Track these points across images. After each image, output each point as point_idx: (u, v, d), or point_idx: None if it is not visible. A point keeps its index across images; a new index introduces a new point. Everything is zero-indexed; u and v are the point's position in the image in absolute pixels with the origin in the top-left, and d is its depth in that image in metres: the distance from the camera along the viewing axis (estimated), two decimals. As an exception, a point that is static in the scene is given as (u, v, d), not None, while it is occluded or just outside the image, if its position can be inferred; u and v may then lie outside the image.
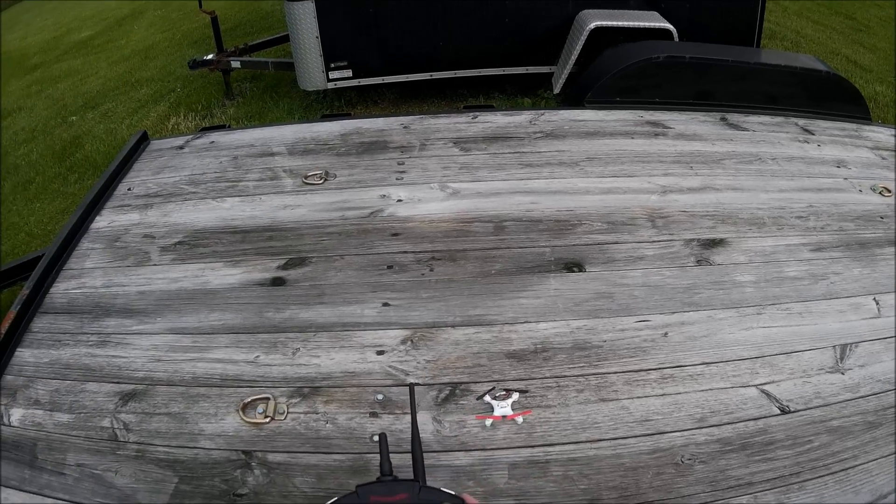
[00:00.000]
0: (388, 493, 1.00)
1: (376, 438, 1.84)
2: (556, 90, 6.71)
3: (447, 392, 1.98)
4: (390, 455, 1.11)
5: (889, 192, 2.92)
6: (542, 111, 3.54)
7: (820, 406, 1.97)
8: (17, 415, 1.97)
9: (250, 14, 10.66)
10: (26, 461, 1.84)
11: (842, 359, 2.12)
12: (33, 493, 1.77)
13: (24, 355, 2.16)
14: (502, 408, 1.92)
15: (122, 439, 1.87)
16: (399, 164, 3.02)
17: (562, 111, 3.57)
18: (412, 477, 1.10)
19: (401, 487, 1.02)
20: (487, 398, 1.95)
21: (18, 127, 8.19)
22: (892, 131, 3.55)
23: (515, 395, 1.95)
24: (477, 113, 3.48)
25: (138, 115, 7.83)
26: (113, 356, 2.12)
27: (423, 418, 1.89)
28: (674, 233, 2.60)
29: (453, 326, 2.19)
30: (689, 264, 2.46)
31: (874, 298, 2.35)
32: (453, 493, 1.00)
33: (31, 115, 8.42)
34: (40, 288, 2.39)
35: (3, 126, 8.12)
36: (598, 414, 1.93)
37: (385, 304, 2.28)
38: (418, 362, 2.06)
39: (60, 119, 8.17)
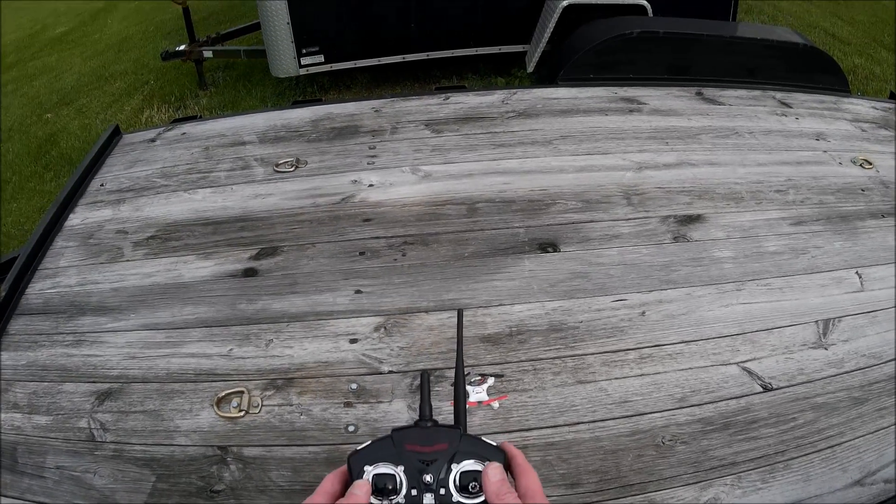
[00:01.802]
0: (426, 442, 0.89)
1: (351, 429, 1.82)
2: (530, 69, 6.71)
3: None
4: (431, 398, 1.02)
5: (870, 164, 2.90)
6: (515, 90, 3.48)
7: (804, 383, 1.94)
8: None
9: (223, 2, 10.58)
10: (7, 466, 1.80)
11: (825, 334, 2.10)
12: (15, 498, 1.73)
13: (2, 358, 2.12)
14: (478, 393, 1.89)
15: (99, 439, 1.84)
16: (370, 148, 2.98)
17: (534, 90, 3.52)
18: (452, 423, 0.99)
19: (440, 436, 0.90)
20: (463, 384, 1.92)
21: (-5, 127, 8.12)
22: (872, 104, 3.53)
23: (491, 380, 1.93)
24: (448, 94, 3.44)
25: (112, 110, 7.78)
26: (88, 355, 2.08)
27: (398, 406, 1.87)
28: (650, 210, 2.57)
29: (427, 312, 2.15)
30: (666, 241, 2.43)
31: (857, 272, 2.33)
32: (495, 444, 0.92)
33: (7, 113, 8.33)
34: (16, 290, 2.34)
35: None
36: (575, 397, 1.90)
37: (357, 291, 2.24)
38: (392, 349, 2.03)
39: (36, 117, 8.12)
